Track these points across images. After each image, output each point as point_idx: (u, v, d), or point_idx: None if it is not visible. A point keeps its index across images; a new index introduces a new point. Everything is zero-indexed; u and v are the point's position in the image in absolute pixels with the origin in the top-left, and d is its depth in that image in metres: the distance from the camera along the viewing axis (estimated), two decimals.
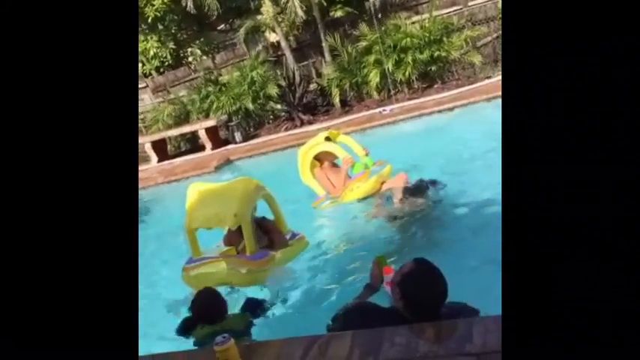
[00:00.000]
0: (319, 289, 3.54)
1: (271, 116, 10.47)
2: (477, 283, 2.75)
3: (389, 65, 9.02)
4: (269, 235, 3.81)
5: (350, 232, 4.35)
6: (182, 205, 5.35)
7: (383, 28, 9.43)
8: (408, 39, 9.08)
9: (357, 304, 2.29)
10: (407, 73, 9.09)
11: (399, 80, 9.26)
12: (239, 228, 3.69)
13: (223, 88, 10.32)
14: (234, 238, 3.86)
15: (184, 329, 2.81)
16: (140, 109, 12.16)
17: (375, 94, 9.56)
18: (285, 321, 3.11)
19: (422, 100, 8.69)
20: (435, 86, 9.39)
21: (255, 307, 3.01)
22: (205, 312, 2.72)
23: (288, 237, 3.92)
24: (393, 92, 9.20)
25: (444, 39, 9.19)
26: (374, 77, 9.26)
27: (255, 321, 2.95)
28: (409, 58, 9.00)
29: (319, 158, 5.00)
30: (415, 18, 9.90)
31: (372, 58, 9.29)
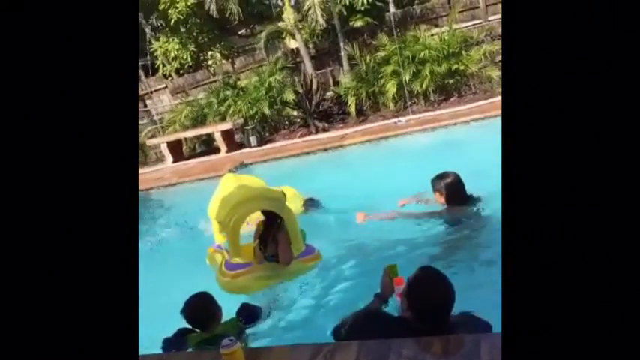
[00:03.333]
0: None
1: (287, 122, 10.53)
2: (490, 297, 2.72)
3: (406, 76, 9.02)
4: (277, 247, 3.67)
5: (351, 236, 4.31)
6: (194, 206, 5.42)
7: (402, 39, 9.44)
8: (427, 51, 9.08)
9: (366, 311, 2.28)
10: (424, 85, 9.09)
11: (415, 92, 9.26)
12: (265, 224, 3.71)
13: (241, 93, 10.41)
14: (257, 233, 3.85)
15: (176, 343, 2.62)
16: (158, 110, 12.33)
17: (391, 105, 9.56)
18: (288, 328, 3.09)
19: (438, 112, 8.67)
20: (452, 99, 9.37)
21: (248, 314, 2.89)
22: (197, 317, 2.61)
23: (302, 251, 3.70)
24: (409, 103, 9.19)
25: (463, 52, 9.18)
26: (391, 88, 9.27)
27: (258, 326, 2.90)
28: (427, 70, 8.99)
29: None
30: (435, 30, 9.91)
31: (389, 68, 9.31)
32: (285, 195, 3.82)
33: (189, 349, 2.54)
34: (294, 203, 4.51)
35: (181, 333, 2.62)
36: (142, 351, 2.14)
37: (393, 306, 2.45)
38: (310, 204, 5.10)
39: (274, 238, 3.69)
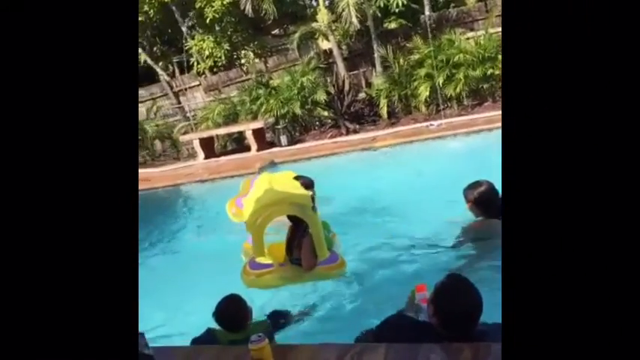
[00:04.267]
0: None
1: (317, 122, 10.56)
2: None
3: (440, 80, 8.94)
4: (301, 252, 3.70)
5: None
6: (223, 203, 5.52)
7: (437, 42, 9.35)
8: (462, 55, 8.97)
9: (393, 316, 2.27)
10: (458, 89, 8.98)
11: (448, 96, 9.16)
12: (292, 229, 3.79)
13: (273, 92, 10.49)
14: (287, 237, 3.91)
15: (206, 342, 2.65)
16: (192, 107, 12.54)
17: (423, 108, 9.48)
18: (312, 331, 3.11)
19: (471, 117, 8.55)
20: (486, 104, 9.23)
21: (278, 319, 2.92)
22: (228, 320, 2.65)
23: (325, 259, 3.66)
24: (442, 107, 9.10)
25: (499, 57, 9.03)
26: (424, 91, 9.19)
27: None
28: (461, 74, 8.89)
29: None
30: (470, 34, 9.78)
31: (423, 71, 9.23)
32: (313, 200, 3.79)
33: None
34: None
35: (210, 333, 2.66)
36: (171, 344, 2.19)
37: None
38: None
39: (299, 243, 3.72)
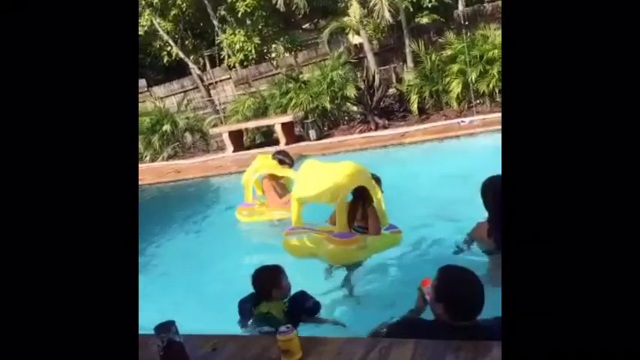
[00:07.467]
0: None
1: (346, 117, 10.52)
2: None
3: (473, 76, 8.78)
4: (366, 219, 4.03)
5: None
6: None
7: (470, 38, 9.18)
8: (496, 50, 8.79)
9: (403, 319, 2.29)
10: (491, 85, 8.81)
11: (481, 92, 8.99)
12: (353, 200, 4.10)
13: (303, 86, 10.50)
14: (349, 207, 4.20)
15: (246, 306, 2.81)
16: (222, 100, 12.66)
17: (454, 104, 9.34)
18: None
19: None
20: None
21: (299, 303, 2.83)
22: (257, 283, 2.79)
23: (384, 228, 4.07)
24: (474, 104, 8.94)
25: None
26: (456, 87, 9.05)
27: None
28: (495, 70, 8.71)
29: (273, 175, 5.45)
30: None
31: (455, 67, 9.09)
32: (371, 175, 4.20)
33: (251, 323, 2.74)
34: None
35: (252, 296, 2.79)
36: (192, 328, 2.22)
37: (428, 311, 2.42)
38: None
39: (364, 213, 4.06)
